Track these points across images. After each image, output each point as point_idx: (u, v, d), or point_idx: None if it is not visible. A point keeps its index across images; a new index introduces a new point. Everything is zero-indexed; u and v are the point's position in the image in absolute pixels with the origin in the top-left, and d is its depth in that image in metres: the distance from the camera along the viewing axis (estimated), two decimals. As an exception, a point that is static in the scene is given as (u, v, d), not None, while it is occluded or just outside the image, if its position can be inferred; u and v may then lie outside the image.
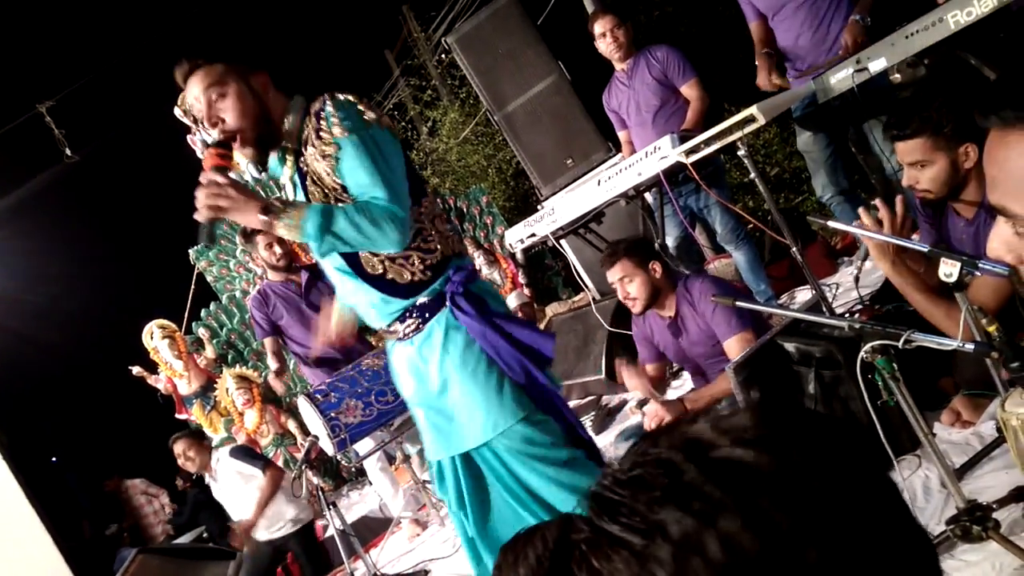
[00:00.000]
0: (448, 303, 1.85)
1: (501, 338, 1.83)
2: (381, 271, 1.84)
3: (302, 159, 1.82)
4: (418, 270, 1.84)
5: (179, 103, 7.65)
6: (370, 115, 1.77)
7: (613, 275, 3.07)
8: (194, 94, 1.82)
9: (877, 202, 1.99)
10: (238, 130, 1.80)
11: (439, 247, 1.85)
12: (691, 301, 3.03)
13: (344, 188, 1.76)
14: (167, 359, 6.45)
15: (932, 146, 2.02)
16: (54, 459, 14.98)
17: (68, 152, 9.38)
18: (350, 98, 1.78)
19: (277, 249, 4.12)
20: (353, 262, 1.84)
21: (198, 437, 4.67)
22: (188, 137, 7.86)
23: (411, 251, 1.82)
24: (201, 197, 1.72)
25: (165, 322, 6.54)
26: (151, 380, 6.52)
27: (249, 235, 4.24)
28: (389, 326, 1.91)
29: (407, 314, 1.86)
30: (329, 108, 1.76)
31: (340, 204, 1.74)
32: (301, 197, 1.83)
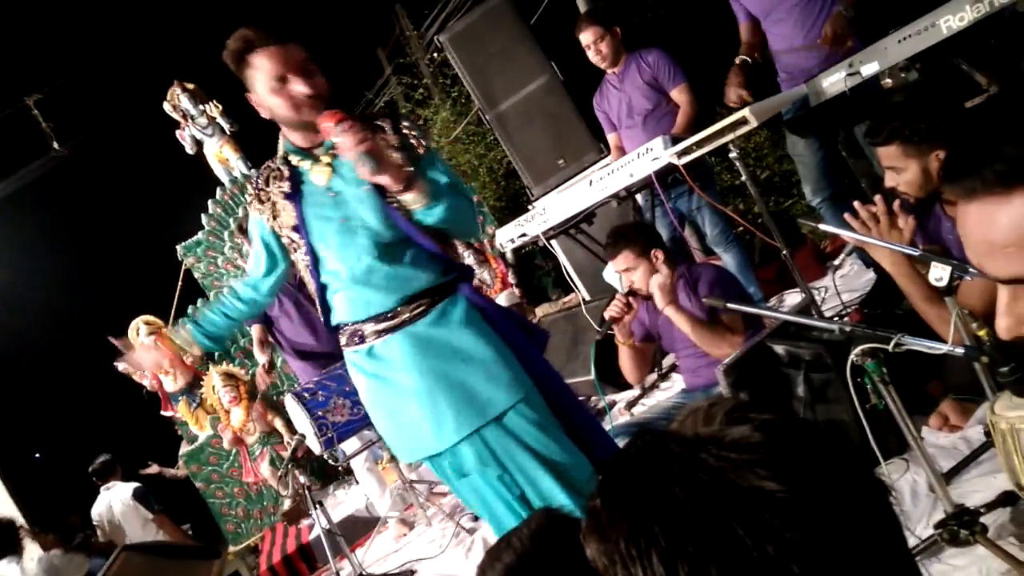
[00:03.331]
0: (462, 286, 1.97)
1: (510, 321, 1.98)
2: (441, 248, 1.96)
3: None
4: (459, 254, 2.13)
5: (168, 98, 7.61)
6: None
7: (616, 265, 3.08)
8: (295, 56, 1.86)
9: (856, 203, 2.02)
10: (326, 97, 1.87)
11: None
12: (690, 285, 3.03)
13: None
14: (153, 355, 6.40)
15: (903, 153, 2.10)
16: (37, 455, 14.87)
17: (56, 146, 9.29)
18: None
19: None
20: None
21: None
22: (176, 132, 7.82)
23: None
24: (349, 135, 1.75)
25: (151, 318, 6.49)
26: (136, 376, 6.47)
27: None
28: (391, 312, 1.92)
29: (415, 296, 1.91)
30: (407, 122, 1.97)
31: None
32: (351, 182, 1.91)
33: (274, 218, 2.00)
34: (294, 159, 1.97)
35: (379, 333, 1.94)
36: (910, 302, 2.05)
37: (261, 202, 2.02)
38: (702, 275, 3.06)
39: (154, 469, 6.80)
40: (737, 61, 3.47)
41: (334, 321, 2.02)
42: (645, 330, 3.31)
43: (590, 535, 0.60)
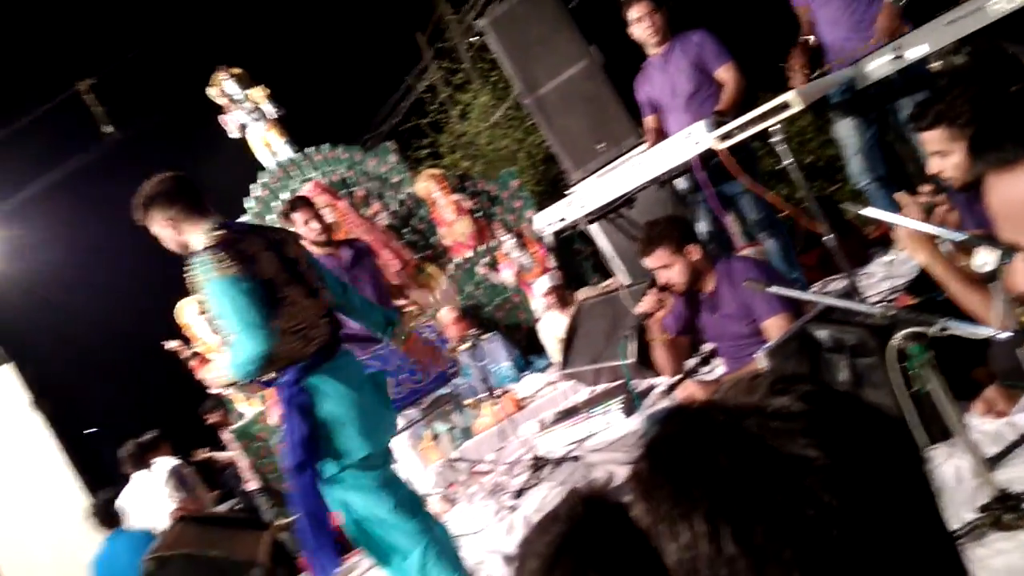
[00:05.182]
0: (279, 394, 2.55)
1: (295, 433, 2.47)
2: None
3: None
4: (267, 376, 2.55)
5: (213, 83, 7.76)
6: (215, 269, 2.39)
7: (650, 263, 3.08)
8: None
9: (898, 195, 2.02)
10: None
11: (282, 358, 2.49)
12: (731, 280, 3.04)
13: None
14: (200, 335, 6.58)
15: (949, 136, 2.07)
16: (94, 429, 15.34)
17: (108, 128, 9.55)
18: (203, 254, 2.44)
19: (315, 224, 4.15)
20: None
21: None
22: (219, 117, 7.97)
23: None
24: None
25: (200, 298, 6.66)
26: (185, 355, 6.66)
27: (287, 213, 4.29)
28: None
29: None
30: (191, 263, 2.45)
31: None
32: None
33: None
34: None
35: None
36: (952, 297, 2.04)
37: None
38: (741, 268, 3.06)
39: (205, 454, 6.97)
40: (799, 41, 3.45)
41: None
42: (682, 324, 3.30)
43: (636, 496, 0.65)
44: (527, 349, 6.45)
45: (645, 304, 3.08)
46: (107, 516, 4.81)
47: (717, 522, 0.57)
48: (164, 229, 2.59)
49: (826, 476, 0.57)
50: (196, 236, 2.54)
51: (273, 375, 2.52)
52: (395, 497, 2.62)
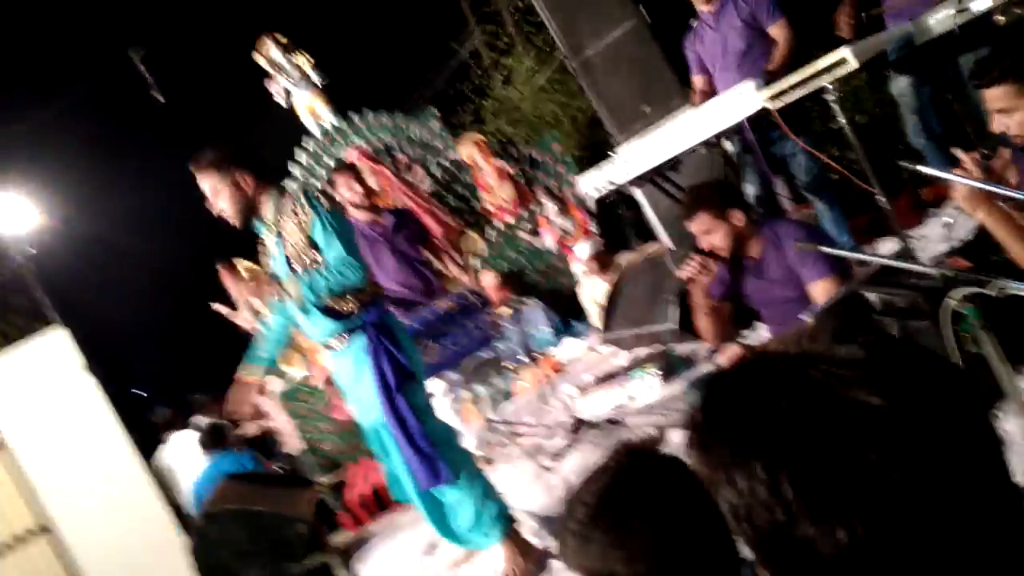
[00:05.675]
0: (364, 332, 2.72)
1: (387, 361, 2.70)
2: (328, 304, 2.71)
3: (280, 227, 2.71)
4: (350, 306, 2.72)
5: (258, 50, 7.80)
6: (326, 203, 2.65)
7: (693, 228, 3.03)
8: (205, 184, 2.71)
9: (957, 151, 1.95)
10: (229, 216, 2.74)
11: (368, 293, 2.76)
12: (777, 243, 2.97)
13: (313, 246, 2.64)
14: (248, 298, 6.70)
15: (1015, 92, 1.99)
16: (141, 392, 15.85)
17: (159, 97, 9.71)
18: (309, 192, 2.70)
19: (357, 187, 4.18)
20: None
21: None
22: (265, 82, 8.03)
23: (348, 294, 2.72)
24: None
25: (247, 263, 6.77)
26: (232, 316, 6.78)
27: (330, 178, 4.33)
28: (327, 343, 2.80)
29: (339, 336, 2.76)
30: (303, 200, 2.66)
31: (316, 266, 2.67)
32: (281, 254, 2.73)
33: None
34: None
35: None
36: (1013, 256, 1.97)
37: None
38: (787, 231, 2.99)
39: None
40: None
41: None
42: (726, 289, 3.25)
43: (693, 446, 0.63)
44: (568, 313, 6.44)
45: (689, 269, 3.04)
46: (213, 439, 5.24)
47: (776, 467, 0.56)
48: (237, 187, 2.71)
49: (889, 423, 0.56)
50: (268, 200, 2.76)
51: (352, 307, 2.72)
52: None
